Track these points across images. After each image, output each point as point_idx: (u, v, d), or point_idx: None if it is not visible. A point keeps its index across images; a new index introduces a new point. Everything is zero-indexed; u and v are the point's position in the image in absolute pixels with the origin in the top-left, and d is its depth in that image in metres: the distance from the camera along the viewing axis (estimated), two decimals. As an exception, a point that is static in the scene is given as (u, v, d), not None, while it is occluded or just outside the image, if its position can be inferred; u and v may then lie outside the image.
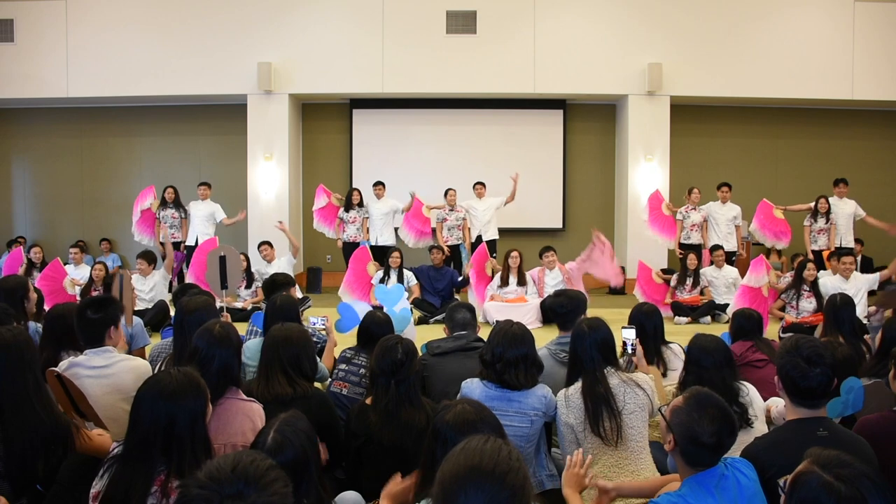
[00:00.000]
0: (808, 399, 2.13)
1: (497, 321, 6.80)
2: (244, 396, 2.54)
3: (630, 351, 3.19)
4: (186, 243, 8.68)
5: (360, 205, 8.83)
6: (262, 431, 1.96)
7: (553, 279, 7.58)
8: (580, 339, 2.79)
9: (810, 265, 6.61)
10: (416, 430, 2.58)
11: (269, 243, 8.11)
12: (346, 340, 4.35)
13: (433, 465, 1.81)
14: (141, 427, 1.95)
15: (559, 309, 3.50)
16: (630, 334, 3.22)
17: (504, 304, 7.32)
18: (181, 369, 2.14)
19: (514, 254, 7.59)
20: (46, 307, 6.31)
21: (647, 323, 3.52)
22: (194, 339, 2.60)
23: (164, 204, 8.69)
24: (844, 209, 8.29)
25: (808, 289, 6.58)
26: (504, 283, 7.57)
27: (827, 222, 8.20)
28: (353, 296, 7.59)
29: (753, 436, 2.54)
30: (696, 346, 2.80)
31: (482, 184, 8.92)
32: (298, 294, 5.96)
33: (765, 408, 2.82)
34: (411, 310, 7.41)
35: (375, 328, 3.36)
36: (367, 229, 8.85)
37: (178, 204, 8.74)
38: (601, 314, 3.09)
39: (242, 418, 2.39)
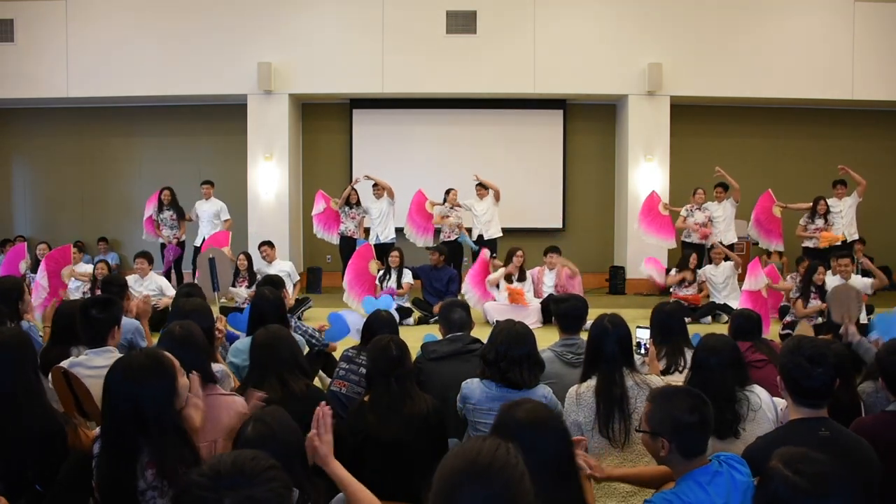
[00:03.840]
0: (810, 399, 2.13)
1: (497, 321, 6.81)
2: (223, 391, 2.55)
3: (643, 351, 3.16)
4: (194, 244, 8.66)
5: (358, 203, 8.87)
6: (244, 423, 1.95)
7: (551, 280, 7.63)
8: (603, 336, 2.74)
9: (821, 269, 6.56)
10: (417, 424, 2.60)
11: (269, 243, 8.09)
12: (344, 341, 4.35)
13: None
14: (109, 409, 1.98)
15: (575, 311, 3.45)
16: (644, 334, 3.19)
17: (505, 304, 7.32)
18: (148, 350, 2.17)
19: (520, 253, 7.65)
20: (48, 284, 6.43)
21: (672, 323, 3.44)
22: (158, 343, 2.63)
23: (160, 206, 8.64)
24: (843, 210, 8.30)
25: (814, 291, 6.62)
26: (508, 281, 7.60)
27: (825, 223, 8.19)
28: (351, 294, 7.58)
29: (739, 445, 2.51)
30: (704, 345, 2.73)
31: (482, 185, 8.93)
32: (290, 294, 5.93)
33: (777, 414, 2.74)
34: (410, 310, 7.45)
35: (379, 327, 3.35)
36: (365, 229, 8.89)
37: (174, 205, 8.68)
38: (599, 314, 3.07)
39: (227, 412, 2.40)
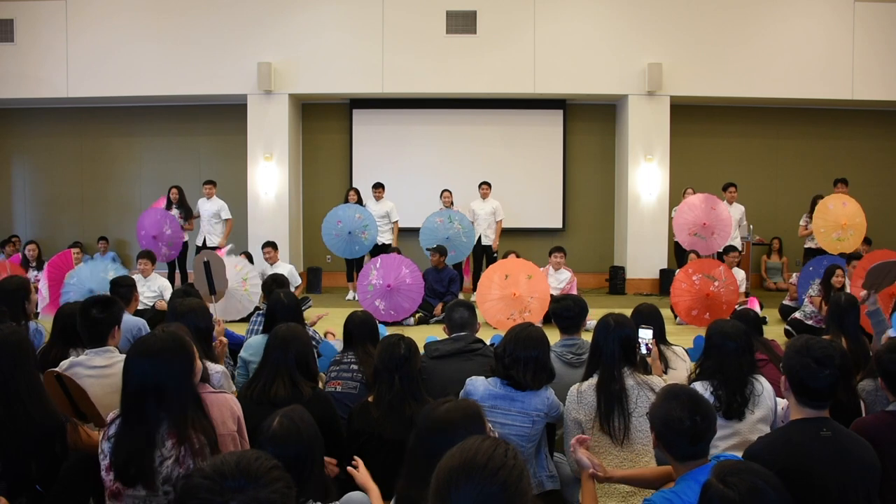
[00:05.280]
0: (815, 399, 2.14)
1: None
2: (212, 389, 2.56)
3: (646, 351, 3.18)
4: (196, 243, 8.67)
5: (359, 203, 8.83)
6: (269, 419, 1.98)
7: (558, 280, 7.47)
8: (605, 333, 2.79)
9: (838, 271, 6.42)
10: None
11: (272, 245, 8.04)
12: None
13: (412, 465, 1.84)
14: (130, 386, 2.05)
15: (566, 312, 3.49)
16: (647, 334, 3.21)
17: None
18: (167, 329, 2.24)
19: (512, 257, 7.56)
20: (48, 294, 6.41)
21: (650, 324, 3.50)
22: None
23: (168, 204, 8.66)
24: None
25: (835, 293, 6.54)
26: None
27: None
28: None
29: (741, 426, 2.62)
30: (718, 330, 2.80)
31: (487, 184, 8.92)
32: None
33: (775, 402, 2.79)
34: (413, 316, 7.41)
35: (354, 328, 3.45)
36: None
37: (182, 204, 8.70)
38: (600, 314, 3.08)
39: (220, 408, 2.41)
